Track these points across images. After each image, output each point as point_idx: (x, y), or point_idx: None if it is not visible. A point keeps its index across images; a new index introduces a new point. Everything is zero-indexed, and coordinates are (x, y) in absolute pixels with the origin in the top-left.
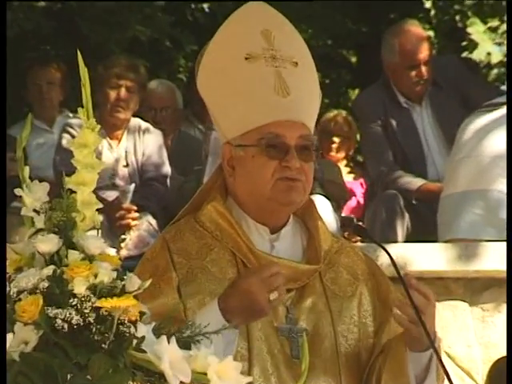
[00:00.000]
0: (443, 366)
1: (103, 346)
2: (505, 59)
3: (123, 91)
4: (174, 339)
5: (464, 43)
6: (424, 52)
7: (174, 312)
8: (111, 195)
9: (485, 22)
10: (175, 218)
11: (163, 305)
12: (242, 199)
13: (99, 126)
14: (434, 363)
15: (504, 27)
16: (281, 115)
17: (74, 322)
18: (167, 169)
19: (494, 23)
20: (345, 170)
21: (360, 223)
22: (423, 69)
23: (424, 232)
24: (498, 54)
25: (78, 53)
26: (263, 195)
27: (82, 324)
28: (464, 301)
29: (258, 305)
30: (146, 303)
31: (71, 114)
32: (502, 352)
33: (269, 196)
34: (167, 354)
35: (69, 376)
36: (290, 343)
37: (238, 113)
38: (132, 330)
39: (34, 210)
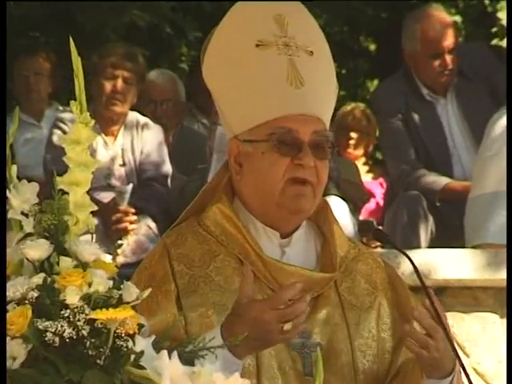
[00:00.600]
0: None
1: (98, 361)
2: None
3: (120, 82)
4: (175, 354)
5: (494, 29)
6: (449, 39)
7: (173, 330)
8: (107, 196)
9: None
10: (176, 221)
11: (161, 322)
12: (248, 200)
13: (93, 121)
14: None
15: None
16: (294, 108)
17: (66, 335)
18: (168, 168)
19: None
20: (363, 169)
21: (380, 227)
22: (448, 58)
23: (450, 236)
24: None
25: (71, 40)
26: (272, 198)
27: (74, 337)
28: (494, 312)
29: (269, 336)
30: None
31: (61, 108)
32: None
33: (278, 201)
34: (168, 371)
35: None
36: (303, 359)
37: (247, 105)
38: (130, 343)
39: (22, 213)
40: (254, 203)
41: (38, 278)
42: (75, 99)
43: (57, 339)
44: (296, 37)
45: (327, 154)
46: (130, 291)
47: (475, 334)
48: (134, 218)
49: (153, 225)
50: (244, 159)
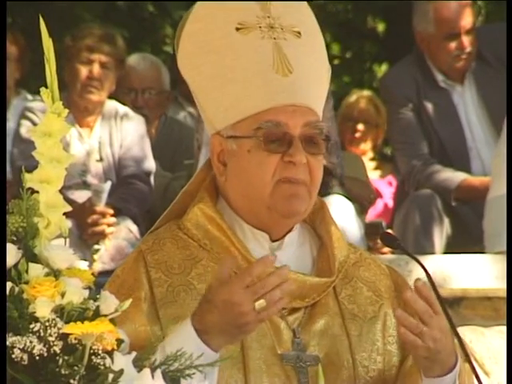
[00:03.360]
0: None
1: (72, 381)
2: None
3: (96, 68)
4: (159, 373)
5: None
6: (466, 18)
7: (143, 341)
8: (82, 196)
9: None
10: (154, 226)
11: (130, 333)
12: (235, 204)
13: (67, 111)
14: None
15: None
16: (281, 99)
17: (35, 352)
18: (151, 164)
19: None
20: (370, 165)
21: (389, 230)
22: (465, 39)
23: (467, 241)
24: None
25: (41, 20)
26: (261, 202)
27: (45, 355)
28: None
29: (243, 319)
30: None
31: (30, 96)
32: None
33: (268, 204)
34: None
35: None
36: (298, 374)
37: (229, 97)
38: (107, 361)
39: None
40: (242, 207)
41: None
42: (46, 86)
43: (25, 356)
44: (281, 17)
45: (321, 148)
46: (108, 302)
47: (496, 350)
48: (113, 220)
49: (134, 228)
50: (228, 158)
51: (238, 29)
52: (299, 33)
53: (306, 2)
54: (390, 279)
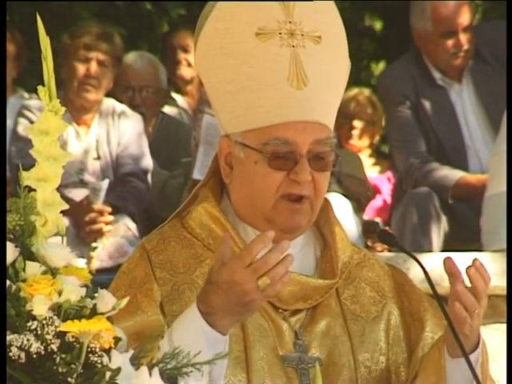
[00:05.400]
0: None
1: (69, 379)
2: None
3: (94, 66)
4: (156, 371)
5: None
6: (463, 16)
7: (156, 331)
8: (79, 194)
9: None
10: (161, 225)
11: (142, 322)
12: (236, 207)
13: (64, 109)
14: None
15: None
16: (293, 114)
17: (33, 350)
18: (148, 162)
19: None
20: (368, 162)
21: (387, 228)
22: (463, 37)
23: (465, 239)
24: None
25: (38, 18)
26: (262, 213)
27: (42, 353)
28: None
29: (247, 298)
30: (121, 321)
31: (27, 95)
32: None
33: (268, 217)
34: None
35: None
36: (299, 375)
37: (241, 105)
38: (105, 359)
39: None
40: (243, 212)
41: None
42: (43, 84)
43: (23, 355)
44: (303, 21)
45: (329, 165)
46: (106, 300)
47: (494, 348)
48: (111, 218)
49: (132, 225)
50: (235, 163)
51: (257, 34)
52: (319, 37)
53: (332, 1)
54: (393, 279)
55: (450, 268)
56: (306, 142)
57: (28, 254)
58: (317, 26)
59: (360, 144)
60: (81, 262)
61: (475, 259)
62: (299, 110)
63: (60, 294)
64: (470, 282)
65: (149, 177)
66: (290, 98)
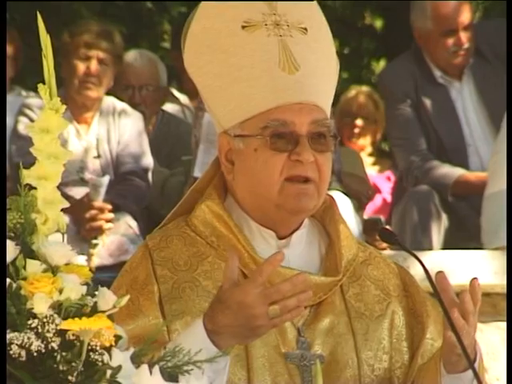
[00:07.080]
0: None
1: (70, 377)
2: None
3: (94, 64)
4: (157, 369)
5: None
6: (464, 15)
7: (157, 335)
8: (79, 192)
9: None
10: (162, 223)
11: (143, 326)
12: (242, 202)
13: (64, 107)
14: None
15: None
16: (288, 97)
17: (33, 348)
18: (148, 160)
19: None
20: (368, 161)
21: (387, 226)
22: (463, 35)
23: (465, 237)
24: None
25: (38, 16)
26: (269, 200)
27: (43, 351)
28: None
29: (254, 322)
30: (122, 324)
31: (25, 93)
32: None
33: (276, 202)
34: None
35: None
36: (302, 373)
37: (235, 96)
38: (105, 357)
39: None
40: (250, 205)
41: None
42: (43, 82)
43: (23, 353)
44: (287, 13)
45: (329, 145)
46: (106, 298)
47: (494, 346)
48: (111, 215)
49: (133, 223)
50: (236, 157)
51: (243, 27)
52: (305, 29)
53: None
54: (398, 278)
55: (440, 283)
56: (303, 122)
57: (28, 252)
58: (301, 19)
59: (361, 142)
60: (81, 259)
61: (474, 278)
62: (293, 93)
63: (60, 292)
64: (461, 304)
65: (149, 175)
66: (284, 82)
